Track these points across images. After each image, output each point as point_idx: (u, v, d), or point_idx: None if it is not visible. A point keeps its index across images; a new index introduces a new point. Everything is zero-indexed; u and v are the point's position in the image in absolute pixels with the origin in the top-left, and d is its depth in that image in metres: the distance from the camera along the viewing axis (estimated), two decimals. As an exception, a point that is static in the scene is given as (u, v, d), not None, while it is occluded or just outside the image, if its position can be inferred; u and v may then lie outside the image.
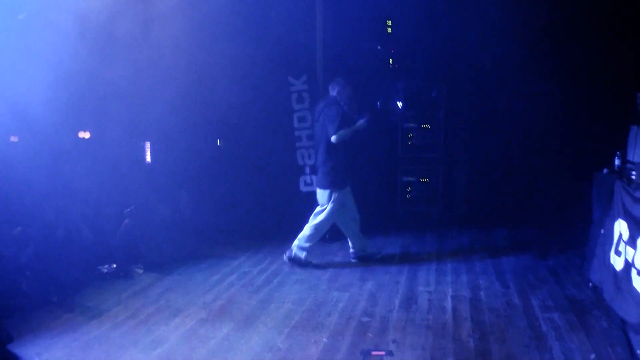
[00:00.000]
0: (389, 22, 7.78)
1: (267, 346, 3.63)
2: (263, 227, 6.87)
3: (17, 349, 3.61)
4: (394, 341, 3.79)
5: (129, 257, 5.31)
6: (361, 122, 5.58)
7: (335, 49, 6.81)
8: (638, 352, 3.74)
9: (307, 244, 5.68)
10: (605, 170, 5.27)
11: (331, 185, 5.63)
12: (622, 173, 4.92)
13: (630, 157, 5.24)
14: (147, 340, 3.75)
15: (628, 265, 4.31)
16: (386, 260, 5.86)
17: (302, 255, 5.67)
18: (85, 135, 6.00)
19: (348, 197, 5.78)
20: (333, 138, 5.47)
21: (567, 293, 4.98)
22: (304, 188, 6.74)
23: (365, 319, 4.16)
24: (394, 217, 7.75)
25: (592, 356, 3.78)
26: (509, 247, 6.41)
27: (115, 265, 5.15)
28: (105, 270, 5.12)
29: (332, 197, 5.61)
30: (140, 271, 5.25)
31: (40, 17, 4.80)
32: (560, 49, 7.54)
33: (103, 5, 5.05)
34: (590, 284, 5.19)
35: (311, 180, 6.66)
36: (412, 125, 7.82)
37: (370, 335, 3.90)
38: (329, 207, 5.63)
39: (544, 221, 7.57)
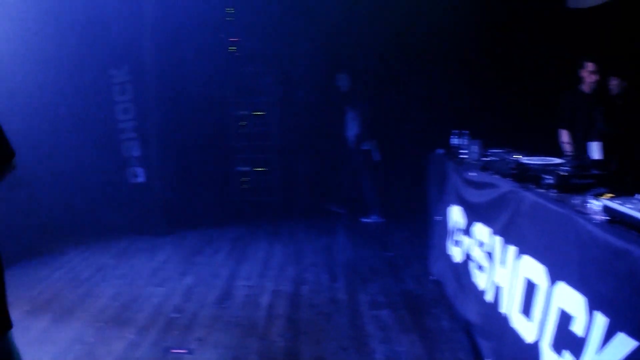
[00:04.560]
0: (231, 10, 7.42)
1: (77, 339, 3.73)
2: (94, 221, 6.61)
3: None
4: (198, 339, 3.73)
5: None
6: None
7: (167, 38, 6.46)
8: None
9: None
10: (440, 151, 4.75)
11: None
12: (454, 152, 4.39)
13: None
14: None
15: (467, 257, 3.86)
16: (212, 252, 5.77)
17: None
18: None
19: None
20: None
21: (403, 287, 4.60)
22: (132, 180, 6.54)
23: (174, 315, 4.12)
24: (229, 208, 7.34)
25: None
26: (349, 238, 6.09)
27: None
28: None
29: None
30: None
31: None
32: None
33: None
34: (431, 277, 4.68)
35: (137, 172, 6.49)
36: (244, 112, 7.44)
37: (176, 332, 3.84)
38: None
39: (389, 209, 7.08)
